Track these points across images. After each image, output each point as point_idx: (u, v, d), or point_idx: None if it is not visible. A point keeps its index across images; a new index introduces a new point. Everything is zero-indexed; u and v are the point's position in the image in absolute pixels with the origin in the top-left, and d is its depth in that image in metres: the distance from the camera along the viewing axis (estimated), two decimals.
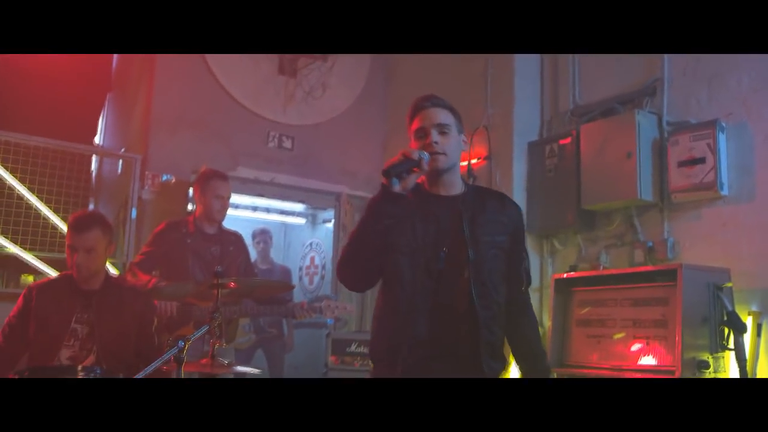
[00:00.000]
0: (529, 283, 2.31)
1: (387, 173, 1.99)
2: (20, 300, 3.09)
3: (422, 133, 2.15)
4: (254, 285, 3.29)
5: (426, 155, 2.05)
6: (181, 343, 2.02)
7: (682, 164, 3.88)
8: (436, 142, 2.11)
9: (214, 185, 3.96)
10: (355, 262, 2.12)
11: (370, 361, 2.27)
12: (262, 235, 6.03)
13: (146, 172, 5.12)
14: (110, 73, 7.04)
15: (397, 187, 2.01)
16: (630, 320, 3.60)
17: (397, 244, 2.09)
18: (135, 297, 3.26)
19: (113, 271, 4.77)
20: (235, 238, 4.14)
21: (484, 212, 2.18)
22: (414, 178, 2.05)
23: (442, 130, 2.14)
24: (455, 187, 2.22)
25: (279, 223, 7.39)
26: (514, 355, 2.32)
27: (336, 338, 4.69)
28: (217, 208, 3.96)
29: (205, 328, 2.23)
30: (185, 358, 2.07)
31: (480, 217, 2.16)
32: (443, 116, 2.17)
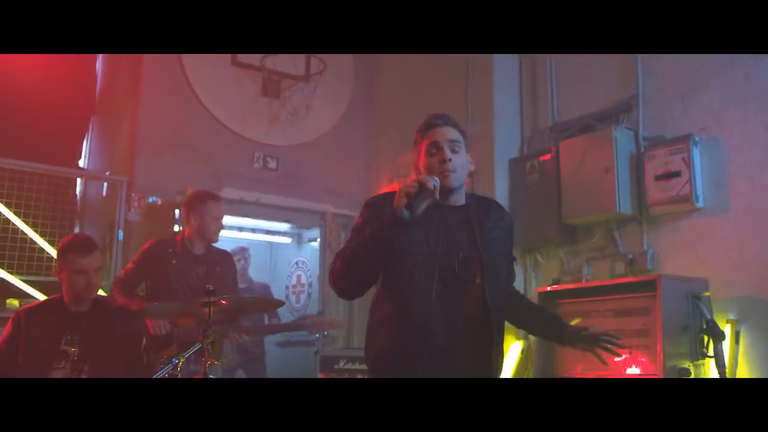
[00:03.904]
0: (514, 278, 2.53)
1: (407, 206, 2.00)
2: (9, 325, 3.13)
3: (435, 148, 2.23)
4: (246, 303, 3.33)
5: (437, 181, 2.07)
6: (175, 361, 2.05)
7: (658, 178, 4.00)
8: (450, 159, 2.20)
9: (211, 207, 3.99)
10: (353, 275, 2.16)
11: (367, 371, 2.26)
12: (242, 253, 6.04)
13: (132, 194, 5.16)
14: (94, 96, 7.08)
15: (407, 216, 2.01)
16: (613, 330, 3.64)
17: (410, 253, 2.15)
18: (124, 317, 3.31)
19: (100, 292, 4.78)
20: (223, 257, 4.14)
21: (488, 219, 2.31)
22: (424, 206, 2.06)
23: (454, 147, 2.23)
24: (461, 200, 2.32)
25: (265, 243, 7.42)
26: (530, 331, 2.69)
27: (324, 355, 4.72)
28: (213, 229, 3.99)
29: (198, 346, 2.25)
30: (179, 375, 2.10)
31: (486, 223, 2.29)
32: (455, 134, 2.26)
